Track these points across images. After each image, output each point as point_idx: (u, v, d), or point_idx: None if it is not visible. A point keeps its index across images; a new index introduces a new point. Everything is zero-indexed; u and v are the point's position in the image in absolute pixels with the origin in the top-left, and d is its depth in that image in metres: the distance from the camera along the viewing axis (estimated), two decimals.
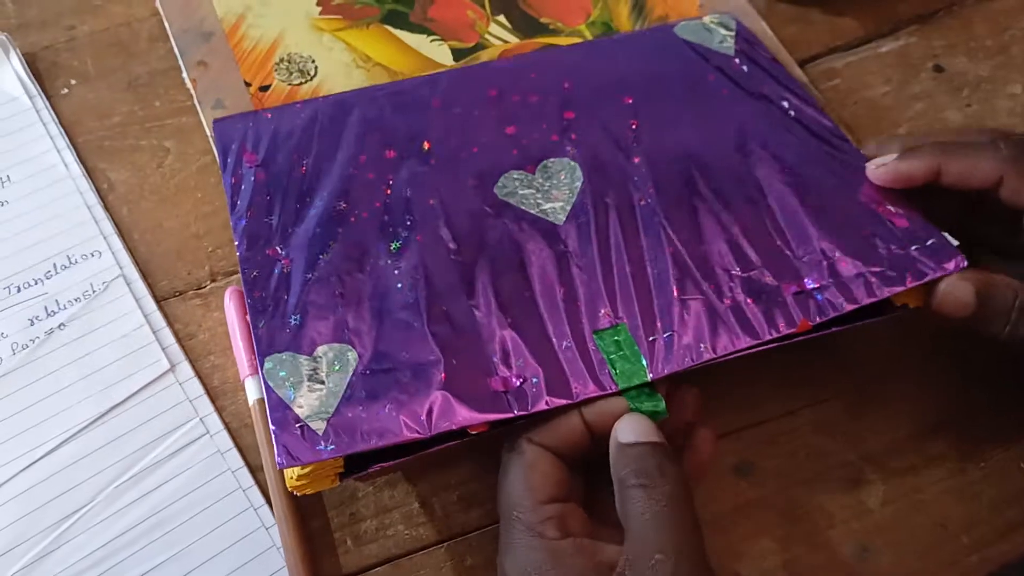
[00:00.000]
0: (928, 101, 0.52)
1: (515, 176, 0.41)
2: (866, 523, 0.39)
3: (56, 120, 0.47)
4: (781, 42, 0.52)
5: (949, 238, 0.38)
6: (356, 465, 0.34)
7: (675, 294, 0.37)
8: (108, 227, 0.44)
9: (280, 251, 0.38)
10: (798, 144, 0.43)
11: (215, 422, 0.40)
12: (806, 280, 0.38)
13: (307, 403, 0.33)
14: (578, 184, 0.41)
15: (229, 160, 0.41)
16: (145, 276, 0.43)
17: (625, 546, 0.31)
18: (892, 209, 0.40)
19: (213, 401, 0.40)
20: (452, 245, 0.38)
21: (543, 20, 0.52)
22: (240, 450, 0.39)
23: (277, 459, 0.32)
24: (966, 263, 0.37)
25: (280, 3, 0.51)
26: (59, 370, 0.40)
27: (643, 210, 0.40)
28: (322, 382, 0.34)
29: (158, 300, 0.43)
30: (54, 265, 0.43)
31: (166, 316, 0.42)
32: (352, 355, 0.35)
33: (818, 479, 0.40)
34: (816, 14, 0.56)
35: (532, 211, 0.40)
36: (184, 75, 0.48)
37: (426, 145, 0.42)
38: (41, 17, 0.51)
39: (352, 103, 0.43)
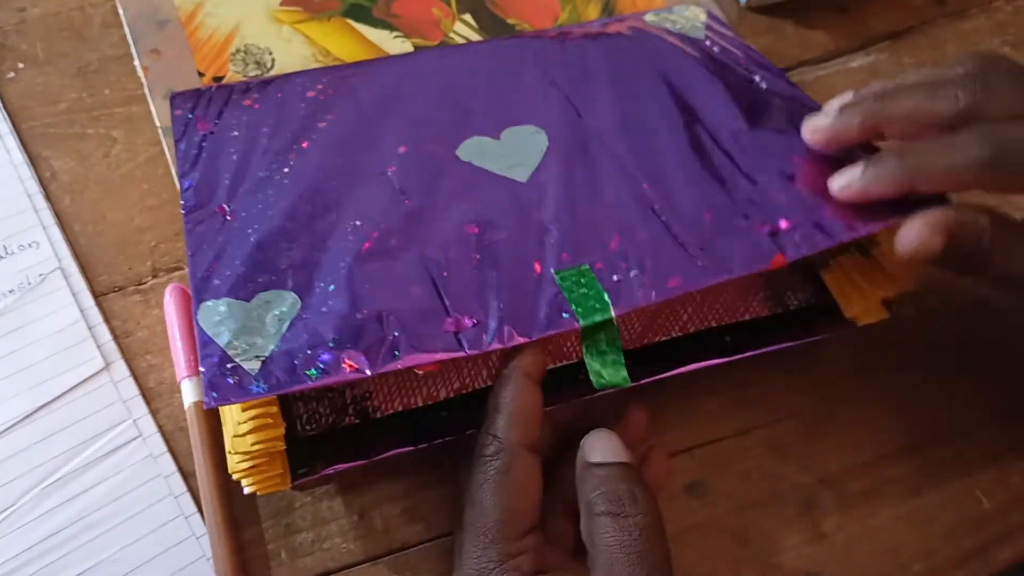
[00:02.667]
0: None
1: (479, 140, 0.40)
2: (818, 548, 0.38)
3: (0, 104, 0.45)
4: None
5: None
6: (305, 463, 0.33)
7: (644, 237, 0.36)
8: (48, 217, 0.43)
9: (227, 207, 0.36)
10: (771, 109, 0.42)
11: (149, 424, 0.38)
12: (780, 221, 0.36)
13: (241, 345, 0.31)
14: (543, 147, 0.39)
15: (182, 127, 0.39)
16: (84, 269, 0.42)
17: None
18: None
19: (148, 403, 0.39)
20: (404, 195, 0.37)
21: (510, 21, 0.51)
22: (174, 455, 0.38)
23: (205, 400, 0.30)
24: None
25: None
26: None
27: (612, 162, 0.39)
28: (260, 325, 0.32)
29: (96, 295, 0.41)
30: None
31: (103, 312, 0.41)
32: (292, 299, 0.33)
33: (771, 501, 0.39)
34: (789, 26, 0.55)
35: (496, 171, 0.38)
36: (136, 63, 0.47)
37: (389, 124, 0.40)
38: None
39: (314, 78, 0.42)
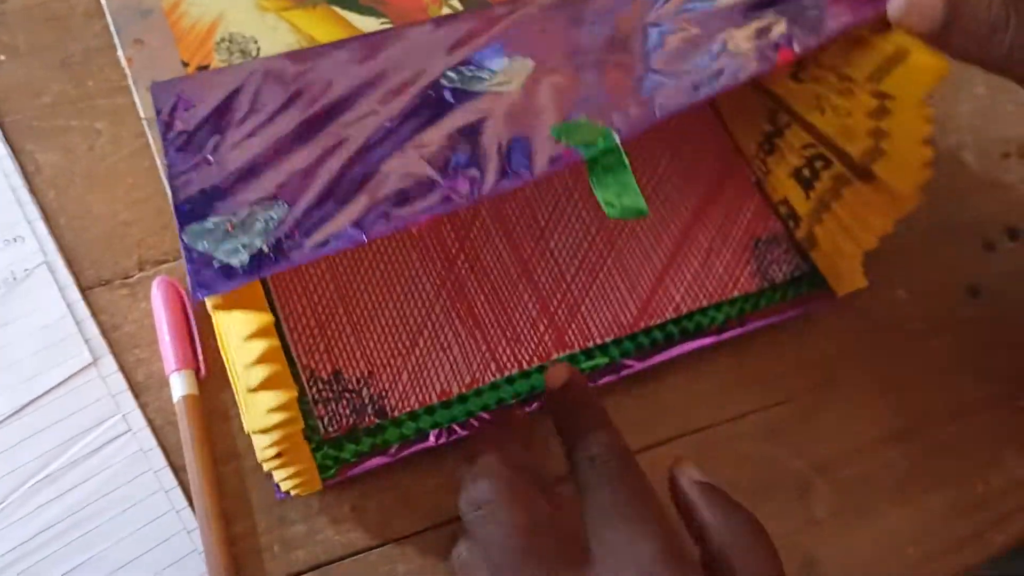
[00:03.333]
0: None
1: (461, 70, 0.38)
2: (812, 534, 0.38)
3: None
4: None
5: None
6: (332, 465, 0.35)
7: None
8: (33, 212, 0.42)
9: (211, 157, 0.34)
10: None
11: (138, 419, 0.38)
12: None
13: (228, 248, 0.30)
14: (529, 67, 0.37)
15: (164, 108, 0.38)
16: (70, 263, 0.41)
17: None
18: None
19: (136, 397, 0.38)
20: (391, 118, 0.35)
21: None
22: (164, 449, 0.37)
23: (193, 293, 0.29)
24: None
25: None
26: None
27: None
28: (249, 227, 0.31)
29: (83, 289, 0.41)
30: None
31: (90, 306, 0.40)
32: (282, 208, 0.31)
33: (765, 488, 0.39)
34: None
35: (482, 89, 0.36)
36: (120, 53, 0.46)
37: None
38: None
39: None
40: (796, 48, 0.33)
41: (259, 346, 0.29)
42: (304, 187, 0.32)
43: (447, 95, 0.35)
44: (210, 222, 0.31)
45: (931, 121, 0.35)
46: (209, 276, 0.29)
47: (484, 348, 0.39)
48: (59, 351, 0.39)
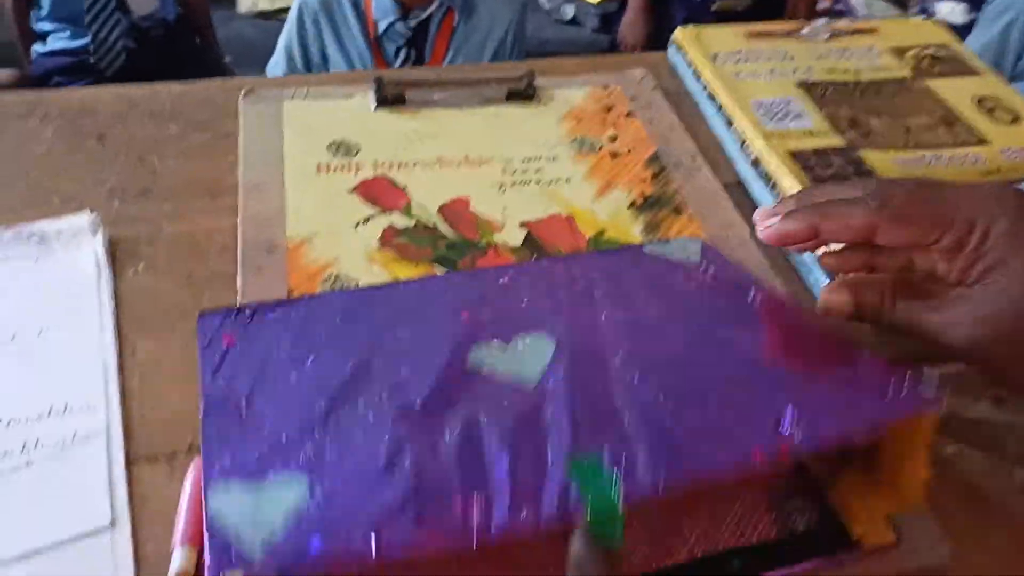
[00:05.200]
0: None
1: (489, 345, 0.40)
2: None
3: (112, 295, 0.51)
4: None
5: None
6: None
7: (653, 427, 0.35)
8: (114, 387, 0.45)
9: (243, 404, 0.37)
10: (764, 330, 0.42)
11: None
12: (786, 413, 0.35)
13: (247, 531, 0.31)
14: (550, 352, 0.39)
15: (207, 339, 0.41)
16: (127, 437, 0.43)
17: None
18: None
19: (137, 568, 0.38)
20: (411, 402, 0.37)
21: None
22: None
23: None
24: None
25: (345, 234, 0.55)
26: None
27: (619, 364, 0.39)
28: (267, 511, 0.32)
29: (129, 462, 0.42)
30: (49, 410, 0.44)
31: (130, 476, 0.41)
32: (302, 485, 0.33)
33: None
34: None
35: (504, 377, 0.38)
36: (239, 278, 0.52)
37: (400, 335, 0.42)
38: (139, 215, 0.57)
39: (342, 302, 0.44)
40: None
41: None
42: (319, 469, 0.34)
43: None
44: (234, 483, 0.33)
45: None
46: (226, 560, 0.30)
47: None
48: (84, 510, 0.40)
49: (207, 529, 0.31)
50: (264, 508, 0.31)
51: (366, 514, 0.31)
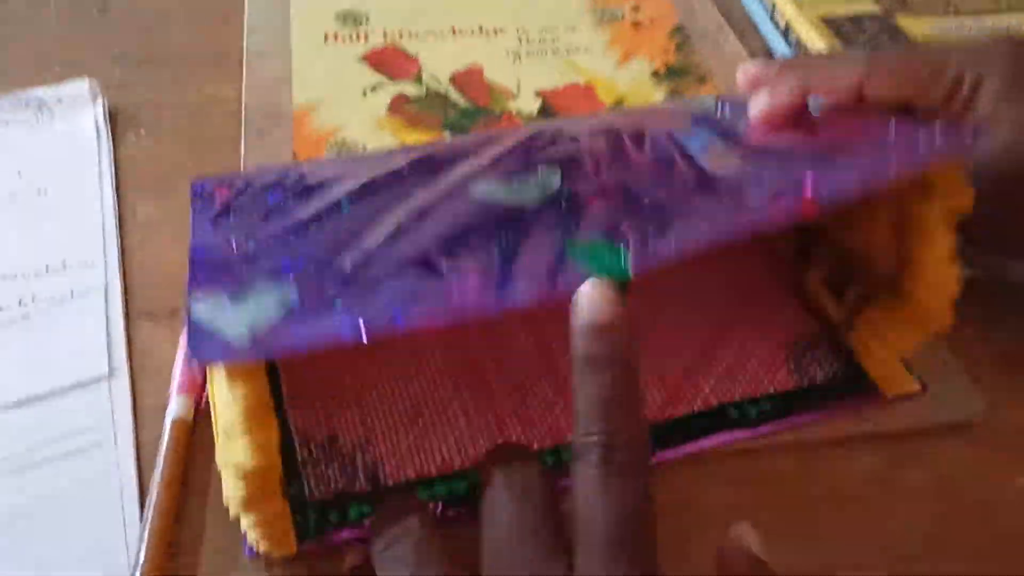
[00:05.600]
0: None
1: (492, 182, 0.36)
2: None
3: (112, 158, 0.49)
4: None
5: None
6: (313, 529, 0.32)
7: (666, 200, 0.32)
8: (113, 245, 0.44)
9: (233, 244, 0.35)
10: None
11: (127, 438, 0.36)
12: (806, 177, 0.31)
13: (230, 319, 0.28)
14: (556, 180, 0.35)
15: (201, 194, 0.39)
16: (126, 292, 0.42)
17: None
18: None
19: (135, 418, 0.37)
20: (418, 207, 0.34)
21: None
22: (140, 473, 0.35)
23: (188, 359, 0.27)
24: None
25: (353, 101, 0.53)
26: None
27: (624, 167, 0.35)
28: (251, 307, 0.29)
29: (128, 317, 0.41)
30: (46, 267, 0.43)
31: (128, 331, 0.40)
32: (291, 290, 0.30)
33: None
34: None
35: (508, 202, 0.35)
36: (242, 141, 0.50)
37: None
38: (141, 81, 0.55)
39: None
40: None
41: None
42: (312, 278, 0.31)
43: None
44: (217, 290, 0.30)
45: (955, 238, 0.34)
46: (207, 347, 0.27)
47: (493, 425, 0.36)
48: (82, 361, 0.39)
49: (187, 330, 0.28)
50: (249, 309, 0.29)
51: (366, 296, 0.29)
